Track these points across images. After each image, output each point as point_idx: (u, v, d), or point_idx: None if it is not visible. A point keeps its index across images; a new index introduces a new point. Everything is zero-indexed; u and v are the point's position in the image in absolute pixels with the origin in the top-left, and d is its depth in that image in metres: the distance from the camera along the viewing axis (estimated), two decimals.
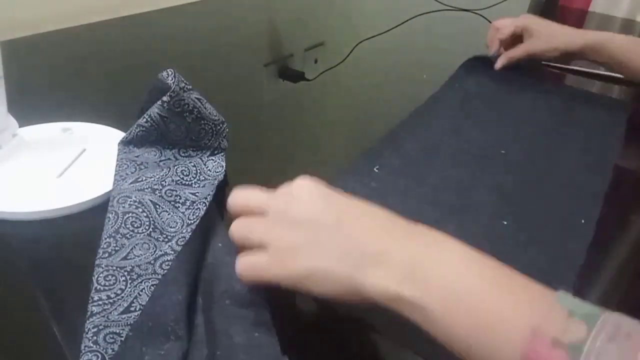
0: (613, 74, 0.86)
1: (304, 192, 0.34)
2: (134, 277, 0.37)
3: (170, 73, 0.48)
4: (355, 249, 0.31)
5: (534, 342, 0.25)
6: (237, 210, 0.37)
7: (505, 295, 0.27)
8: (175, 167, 0.47)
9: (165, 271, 0.37)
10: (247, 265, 0.35)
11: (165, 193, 0.44)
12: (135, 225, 0.40)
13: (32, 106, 0.59)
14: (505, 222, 0.47)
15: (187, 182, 0.46)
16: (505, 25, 0.83)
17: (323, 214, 0.33)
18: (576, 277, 0.42)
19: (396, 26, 1.02)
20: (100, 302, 0.34)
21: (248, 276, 0.35)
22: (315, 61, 0.85)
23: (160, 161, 0.48)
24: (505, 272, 0.29)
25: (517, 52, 0.82)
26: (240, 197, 0.38)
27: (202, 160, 0.49)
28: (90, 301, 0.34)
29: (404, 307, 0.29)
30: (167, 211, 0.43)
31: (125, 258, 0.38)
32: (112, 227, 0.39)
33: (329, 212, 0.33)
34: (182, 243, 0.39)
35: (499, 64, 0.83)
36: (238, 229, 0.36)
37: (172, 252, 0.39)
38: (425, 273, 0.29)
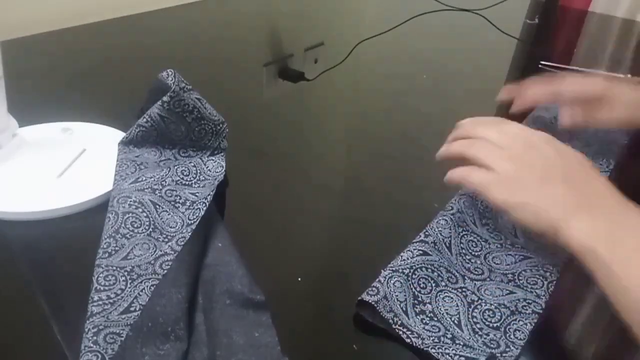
0: (613, 74, 0.86)
1: (542, 142, 0.41)
2: (134, 277, 0.37)
3: (170, 73, 0.48)
4: (571, 199, 0.36)
5: None
6: (474, 132, 0.43)
7: None
8: (175, 167, 0.47)
9: (165, 271, 0.37)
10: (473, 177, 0.40)
11: (165, 193, 0.44)
12: (135, 226, 0.40)
13: (32, 106, 0.59)
14: None
15: (187, 182, 0.46)
16: (573, 87, 0.60)
17: (555, 162, 0.39)
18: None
19: (396, 26, 1.02)
20: (100, 302, 0.34)
21: (467, 183, 0.41)
22: (315, 61, 0.85)
23: (160, 161, 0.48)
24: None
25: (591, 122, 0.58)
26: (484, 124, 0.44)
27: (202, 161, 0.49)
28: (90, 301, 0.34)
29: (592, 260, 0.33)
30: (167, 211, 0.43)
31: (125, 258, 0.38)
32: (112, 227, 0.39)
33: (559, 163, 0.39)
34: (182, 243, 0.39)
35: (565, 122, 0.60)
36: (478, 149, 0.41)
37: (172, 252, 0.39)
38: (622, 239, 0.33)
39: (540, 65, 0.89)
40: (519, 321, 0.38)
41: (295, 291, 0.41)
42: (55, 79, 0.71)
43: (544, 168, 0.39)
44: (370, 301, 0.37)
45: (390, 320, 0.37)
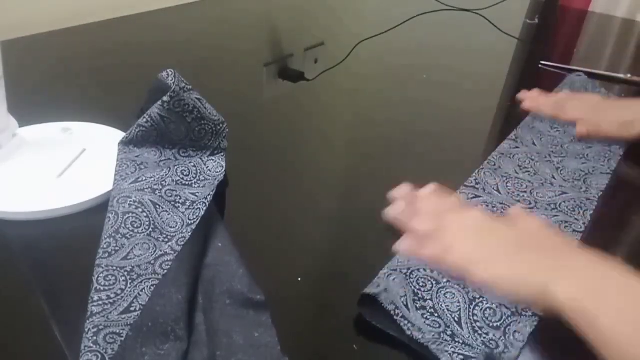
0: (613, 74, 0.86)
1: (503, 224, 0.40)
2: (134, 277, 0.37)
3: (170, 73, 0.48)
4: (549, 262, 0.36)
5: None
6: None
7: None
8: (175, 167, 0.47)
9: (165, 271, 0.37)
10: (452, 261, 0.38)
11: (165, 193, 0.44)
12: (135, 226, 0.40)
13: (32, 106, 0.59)
14: None
15: (187, 182, 0.46)
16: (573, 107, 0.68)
17: (522, 235, 0.39)
18: None
19: (396, 26, 1.02)
20: (100, 302, 0.34)
21: (445, 263, 0.38)
22: (315, 61, 0.85)
23: (161, 161, 0.48)
24: None
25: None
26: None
27: (202, 161, 0.49)
28: (90, 301, 0.34)
29: (582, 320, 0.32)
30: (167, 211, 0.43)
31: (125, 258, 0.38)
32: (112, 227, 0.39)
33: (527, 235, 0.39)
34: (182, 243, 0.39)
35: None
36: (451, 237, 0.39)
37: (172, 252, 0.39)
38: (606, 299, 0.33)
39: (540, 65, 0.89)
40: (519, 323, 0.38)
41: (295, 291, 0.41)
42: (55, 79, 0.71)
43: (513, 242, 0.38)
44: (371, 293, 0.37)
45: (392, 312, 0.37)
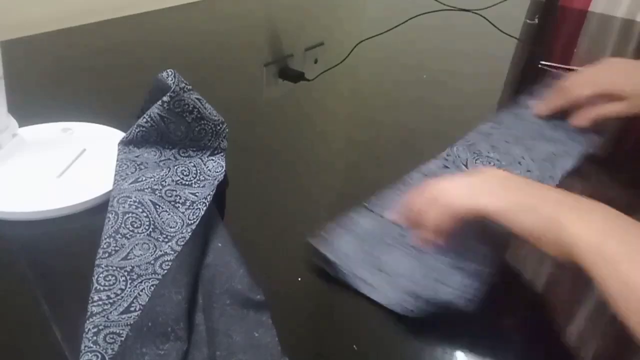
0: None
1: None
2: (134, 277, 0.37)
3: (170, 73, 0.48)
4: (562, 197, 0.36)
5: None
6: None
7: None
8: (175, 167, 0.47)
9: (165, 271, 0.37)
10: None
11: (165, 193, 0.44)
12: (135, 226, 0.40)
13: (32, 106, 0.59)
14: None
15: (187, 182, 0.46)
16: (582, 90, 0.62)
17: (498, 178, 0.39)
18: None
19: (396, 26, 1.02)
20: (100, 302, 0.34)
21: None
22: (315, 61, 0.85)
23: (160, 161, 0.48)
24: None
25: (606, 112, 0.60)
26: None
27: (202, 161, 0.49)
28: (90, 301, 0.34)
29: (598, 258, 0.31)
30: (167, 211, 0.43)
31: (125, 258, 0.38)
32: (112, 227, 0.39)
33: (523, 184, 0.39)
34: (182, 243, 0.39)
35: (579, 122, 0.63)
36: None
37: (172, 252, 0.39)
38: (625, 237, 0.32)
39: (540, 65, 0.89)
40: (458, 275, 0.40)
41: (295, 291, 0.41)
42: (55, 79, 0.71)
43: (504, 181, 0.39)
44: (315, 244, 0.41)
45: (338, 261, 0.40)
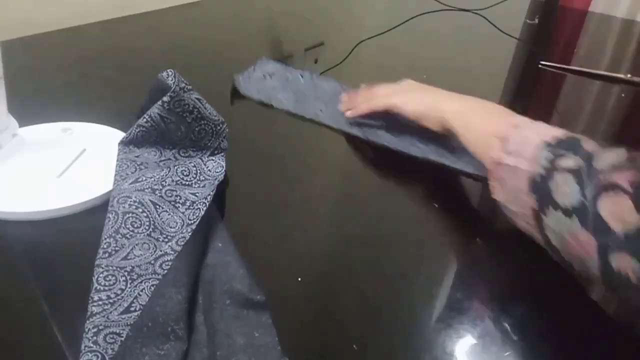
0: (613, 74, 0.86)
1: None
2: (134, 277, 0.37)
3: (170, 73, 0.48)
4: (440, 94, 0.57)
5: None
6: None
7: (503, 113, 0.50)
8: (175, 167, 0.47)
9: (165, 271, 0.37)
10: (373, 101, 0.61)
11: (165, 193, 0.44)
12: (135, 226, 0.40)
13: (32, 106, 0.59)
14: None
15: (187, 182, 0.46)
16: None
17: (424, 88, 0.61)
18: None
19: (396, 26, 1.02)
20: (100, 302, 0.34)
21: (379, 103, 0.61)
22: (315, 61, 0.85)
23: (160, 161, 0.48)
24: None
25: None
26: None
27: (202, 161, 0.49)
28: (90, 301, 0.34)
29: (457, 120, 0.51)
30: (167, 211, 0.43)
31: (125, 258, 0.38)
32: (112, 227, 0.39)
33: (427, 88, 0.60)
34: (182, 243, 0.39)
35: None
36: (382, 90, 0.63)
37: (172, 252, 0.39)
38: (470, 105, 0.52)
39: (540, 66, 0.89)
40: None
41: (296, 291, 0.41)
42: (55, 79, 0.71)
43: (417, 87, 0.61)
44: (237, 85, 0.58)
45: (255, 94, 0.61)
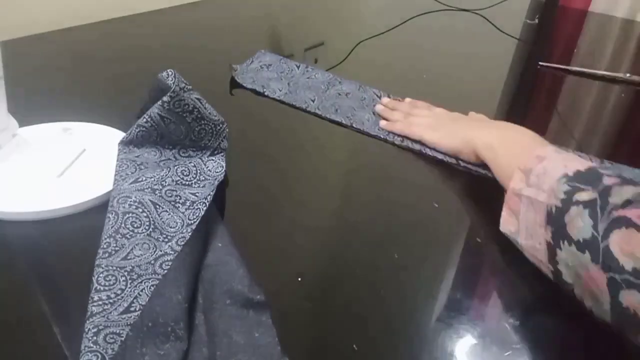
0: (613, 74, 0.86)
1: (457, 115, 0.65)
2: (134, 277, 0.37)
3: (170, 73, 0.48)
4: (473, 123, 0.61)
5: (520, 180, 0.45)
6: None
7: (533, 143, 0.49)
8: (175, 167, 0.47)
9: (165, 271, 0.37)
10: (410, 128, 0.63)
11: (165, 193, 0.44)
12: (135, 226, 0.40)
13: (32, 106, 0.59)
14: None
15: (187, 182, 0.46)
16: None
17: (457, 117, 0.64)
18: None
19: (396, 26, 1.02)
20: (100, 302, 0.34)
21: (413, 132, 0.62)
22: (315, 61, 0.85)
23: (161, 161, 0.48)
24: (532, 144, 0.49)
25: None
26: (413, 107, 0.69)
27: (202, 161, 0.49)
28: (90, 301, 0.34)
29: (489, 154, 0.52)
30: (167, 211, 0.43)
31: (125, 258, 0.38)
32: (112, 227, 0.39)
33: (465, 118, 0.64)
34: (182, 243, 0.39)
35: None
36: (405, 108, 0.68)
37: (172, 252, 0.39)
38: (505, 135, 0.53)
39: (539, 66, 0.89)
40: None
41: (295, 291, 0.41)
42: (55, 79, 0.71)
43: (451, 117, 0.63)
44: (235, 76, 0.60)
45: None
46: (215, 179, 0.47)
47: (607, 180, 0.37)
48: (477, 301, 0.41)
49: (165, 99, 0.47)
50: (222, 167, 0.49)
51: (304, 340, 0.37)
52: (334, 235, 0.48)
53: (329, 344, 0.37)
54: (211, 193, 0.45)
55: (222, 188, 0.48)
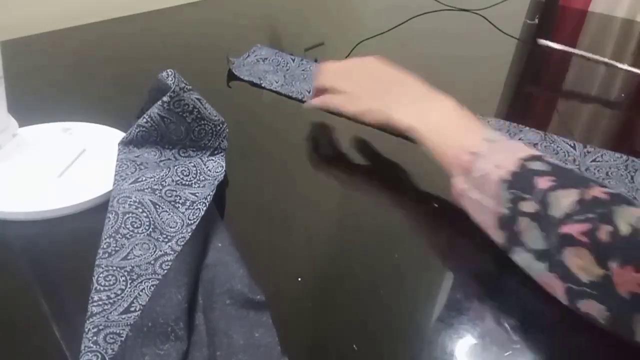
0: (613, 62, 0.86)
1: (372, 67, 0.58)
2: (134, 277, 0.37)
3: (170, 73, 0.48)
4: (394, 98, 0.54)
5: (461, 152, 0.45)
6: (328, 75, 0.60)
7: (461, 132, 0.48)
8: (175, 167, 0.47)
9: (165, 271, 0.37)
10: (332, 100, 0.58)
11: (165, 193, 0.44)
12: (135, 226, 0.40)
13: (32, 106, 0.59)
14: None
15: (187, 182, 0.46)
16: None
17: (380, 79, 0.56)
18: None
19: (396, 26, 1.02)
20: (100, 303, 0.34)
21: (330, 107, 0.58)
22: (316, 61, 0.85)
23: (160, 161, 0.48)
24: (466, 118, 0.50)
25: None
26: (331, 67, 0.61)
27: (202, 161, 0.49)
28: (90, 301, 0.34)
29: (415, 133, 0.50)
30: (167, 211, 0.43)
31: (125, 258, 0.38)
32: (112, 227, 0.39)
33: (385, 79, 0.56)
34: (182, 243, 0.39)
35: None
36: (329, 80, 0.59)
37: (172, 252, 0.39)
38: (427, 117, 0.50)
39: (539, 43, 0.88)
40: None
41: (295, 291, 0.41)
42: (55, 79, 0.71)
43: (374, 85, 0.56)
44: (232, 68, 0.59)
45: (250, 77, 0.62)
46: (215, 179, 0.48)
47: (540, 184, 0.39)
48: (477, 301, 0.41)
49: (165, 99, 0.47)
50: (222, 167, 0.49)
51: (304, 340, 0.37)
52: (334, 235, 0.48)
53: (329, 344, 0.37)
54: (211, 193, 0.45)
55: (222, 188, 0.48)
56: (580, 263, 0.35)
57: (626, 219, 0.34)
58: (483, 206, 0.43)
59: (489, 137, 0.46)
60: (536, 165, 0.41)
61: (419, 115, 0.51)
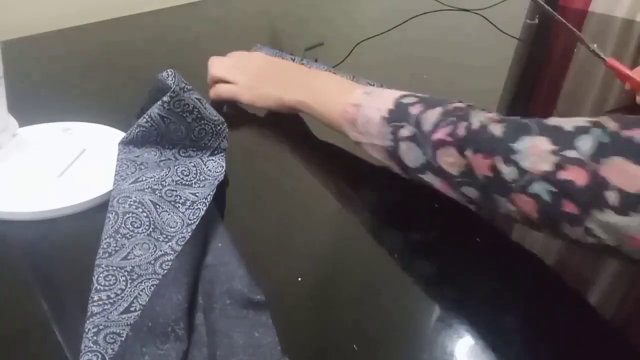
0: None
1: (256, 58, 0.67)
2: (134, 277, 0.37)
3: (170, 73, 0.48)
4: (282, 82, 0.61)
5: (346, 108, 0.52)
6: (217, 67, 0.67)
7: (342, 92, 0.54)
8: (176, 167, 0.47)
9: (165, 271, 0.37)
10: (227, 90, 0.64)
11: (165, 193, 0.44)
12: (135, 226, 0.40)
13: (32, 106, 0.59)
14: None
15: (187, 182, 0.46)
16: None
17: (267, 67, 0.64)
18: None
19: (396, 26, 1.02)
20: (100, 302, 0.34)
21: (224, 96, 0.64)
22: (316, 61, 0.85)
23: (161, 161, 0.48)
24: (345, 84, 0.57)
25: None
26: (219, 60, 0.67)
27: (202, 161, 0.49)
28: (90, 301, 0.34)
29: (305, 108, 0.58)
30: (167, 211, 0.43)
31: (125, 258, 0.38)
32: (112, 227, 0.39)
33: (270, 68, 0.64)
34: (182, 243, 0.39)
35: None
36: (220, 70, 0.65)
37: (172, 252, 0.39)
38: (311, 89, 0.58)
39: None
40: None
41: (295, 291, 0.41)
42: (55, 79, 0.71)
43: (262, 73, 0.63)
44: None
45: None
46: (215, 179, 0.48)
47: (412, 110, 0.46)
48: (477, 301, 0.41)
49: (165, 99, 0.47)
50: (222, 167, 0.49)
51: (304, 340, 0.37)
52: (334, 235, 0.48)
53: (329, 344, 0.37)
54: (211, 193, 0.45)
55: (222, 188, 0.48)
56: (450, 160, 0.42)
57: (478, 117, 0.41)
58: (374, 145, 0.50)
59: (367, 90, 0.52)
60: (408, 100, 0.48)
61: (305, 90, 0.58)
